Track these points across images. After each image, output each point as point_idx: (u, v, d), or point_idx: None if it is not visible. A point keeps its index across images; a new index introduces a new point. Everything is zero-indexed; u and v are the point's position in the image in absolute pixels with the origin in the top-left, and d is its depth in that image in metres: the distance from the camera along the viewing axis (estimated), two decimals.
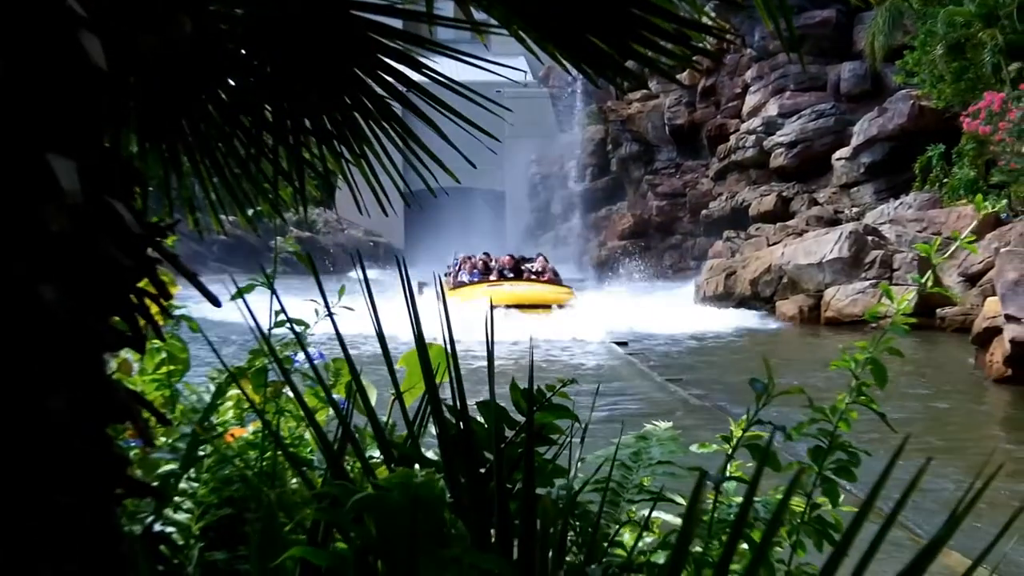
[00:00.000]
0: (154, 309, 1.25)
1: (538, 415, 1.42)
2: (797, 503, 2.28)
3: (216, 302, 1.36)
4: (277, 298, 2.17)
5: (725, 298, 30.17)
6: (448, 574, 0.87)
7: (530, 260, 34.55)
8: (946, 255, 2.54)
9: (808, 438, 2.20)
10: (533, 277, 31.25)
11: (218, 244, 44.54)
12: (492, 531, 1.27)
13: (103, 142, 1.19)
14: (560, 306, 27.61)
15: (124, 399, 1.15)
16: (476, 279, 31.12)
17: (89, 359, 1.10)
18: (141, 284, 1.25)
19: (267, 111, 2.11)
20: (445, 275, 31.78)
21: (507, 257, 33.56)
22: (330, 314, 1.92)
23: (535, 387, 1.39)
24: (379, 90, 2.08)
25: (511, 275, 31.11)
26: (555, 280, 31.48)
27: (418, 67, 2.11)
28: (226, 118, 2.08)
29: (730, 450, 2.06)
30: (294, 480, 2.27)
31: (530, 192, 62.07)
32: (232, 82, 2.07)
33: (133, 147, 2.13)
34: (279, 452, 2.13)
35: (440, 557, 0.87)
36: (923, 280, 2.61)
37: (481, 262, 33.12)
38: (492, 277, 30.99)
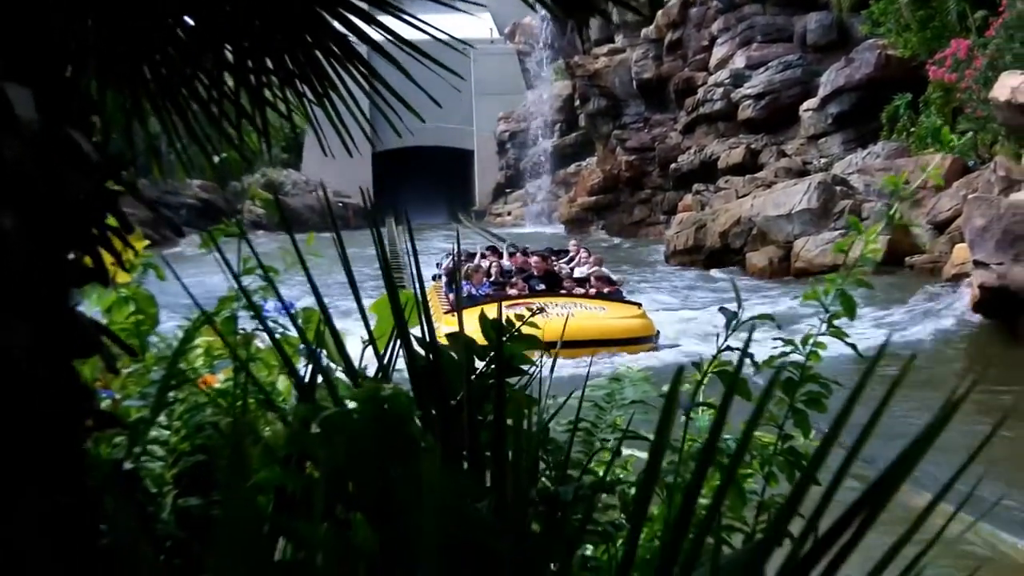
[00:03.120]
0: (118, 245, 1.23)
1: (507, 346, 1.42)
2: (769, 439, 2.30)
3: (179, 231, 1.35)
4: (248, 243, 2.16)
5: (695, 251, 30.22)
6: (419, 491, 0.87)
7: (563, 253, 24.07)
8: (912, 188, 2.51)
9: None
10: (581, 290, 19.43)
11: (186, 208, 44.27)
12: (464, 464, 1.27)
13: (61, 73, 1.17)
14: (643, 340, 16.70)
15: (89, 331, 1.14)
16: (485, 293, 18.40)
17: (51, 290, 1.09)
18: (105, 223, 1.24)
19: (228, 51, 2.09)
20: (434, 278, 21.32)
21: (534, 257, 21.81)
22: (301, 260, 1.90)
23: (504, 318, 1.38)
24: (341, 28, 2.06)
25: (542, 286, 19.36)
26: (613, 291, 19.60)
27: (382, 4, 2.09)
28: (187, 60, 2.06)
29: (700, 376, 2.07)
30: (267, 429, 2.26)
31: (499, 150, 61.89)
32: (191, 21, 2.05)
33: (93, 95, 2.10)
34: (252, 400, 2.12)
35: (411, 474, 0.87)
36: (891, 212, 2.60)
37: (493, 264, 21.41)
38: (513, 289, 18.98)
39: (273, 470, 0.95)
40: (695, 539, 1.07)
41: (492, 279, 20.30)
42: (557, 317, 12.40)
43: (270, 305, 2.53)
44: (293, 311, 2.62)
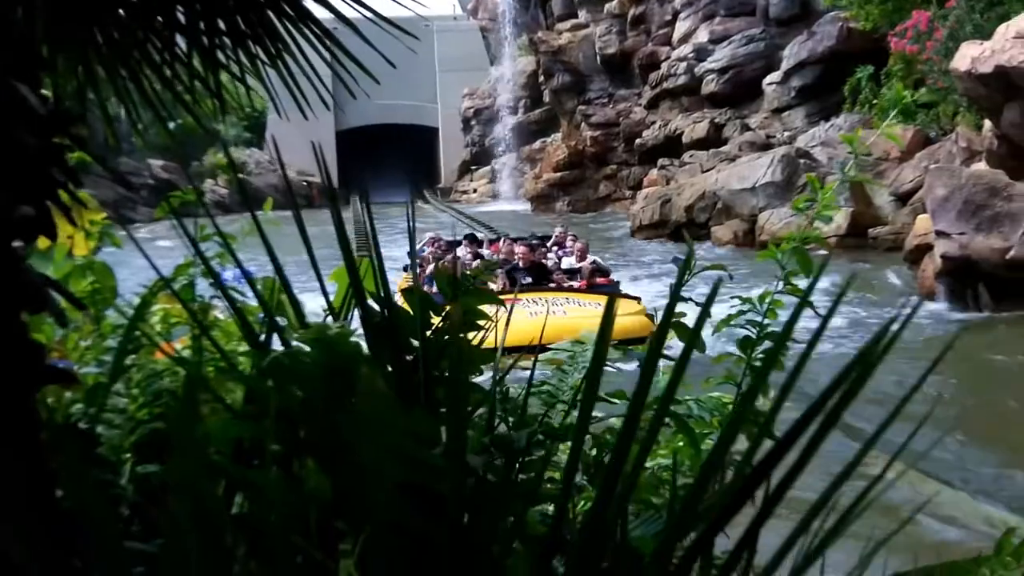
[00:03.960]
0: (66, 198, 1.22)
1: (463, 300, 1.41)
2: (728, 398, 2.31)
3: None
4: (206, 208, 2.14)
5: (661, 226, 30.30)
6: (370, 433, 0.87)
7: (545, 241, 21.08)
8: (867, 142, 2.52)
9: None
10: (573, 283, 17.18)
11: (146, 189, 43.84)
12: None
13: (5, 25, 1.15)
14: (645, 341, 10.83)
15: (38, 284, 1.12)
16: None
17: None
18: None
19: (179, 13, 2.07)
20: (404, 269, 17.16)
21: (519, 246, 18.69)
22: (260, 229, 1.89)
23: (459, 273, 1.38)
24: None
25: (529, 279, 16.87)
26: (609, 283, 17.56)
27: None
28: (138, 21, 2.04)
29: (655, 327, 2.07)
30: (228, 400, 2.25)
31: (464, 127, 61.70)
32: None
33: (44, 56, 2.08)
34: (211, 368, 2.11)
35: (361, 416, 0.86)
36: (846, 168, 2.61)
37: (468, 255, 18.74)
38: (495, 284, 12.45)
39: (225, 419, 0.95)
40: (622, 492, 1.08)
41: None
42: (549, 315, 12.86)
43: (228, 275, 2.52)
44: (251, 278, 2.61)
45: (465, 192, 60.17)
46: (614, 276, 18.90)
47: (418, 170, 63.94)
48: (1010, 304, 15.92)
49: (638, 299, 15.44)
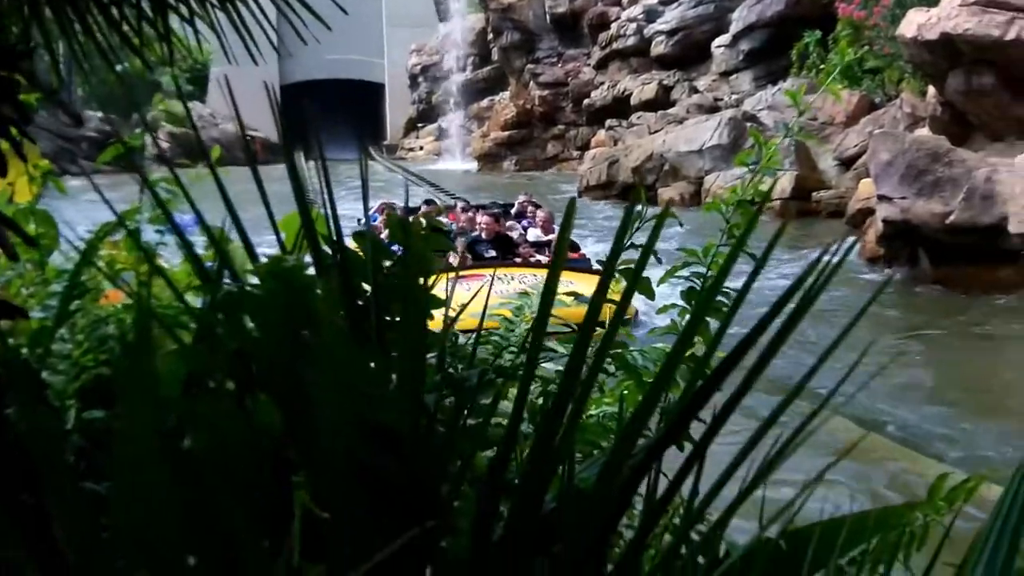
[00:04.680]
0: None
1: (414, 244, 1.41)
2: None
3: (79, 120, 1.32)
4: (158, 145, 2.12)
5: (608, 187, 30.36)
6: (325, 367, 0.87)
7: (508, 209, 19.21)
8: (810, 101, 2.53)
9: None
10: (541, 257, 15.36)
11: (87, 141, 43.10)
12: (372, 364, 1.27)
13: None
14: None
15: None
16: None
17: None
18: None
19: None
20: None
21: (483, 216, 16.74)
22: (214, 173, 1.87)
23: (411, 217, 1.38)
24: None
25: (492, 252, 15.32)
26: (580, 258, 15.10)
27: None
28: None
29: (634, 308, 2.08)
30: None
31: (411, 84, 61.24)
32: None
33: None
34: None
35: (317, 349, 0.87)
36: (790, 126, 2.63)
37: None
38: (455, 258, 13.99)
39: (177, 351, 0.95)
40: (566, 430, 1.09)
41: None
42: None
43: (178, 220, 2.50)
44: (197, 225, 2.59)
45: (411, 150, 59.80)
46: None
47: (364, 127, 63.40)
48: (949, 268, 16.16)
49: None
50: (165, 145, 46.71)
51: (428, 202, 19.74)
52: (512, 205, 19.64)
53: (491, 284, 2.06)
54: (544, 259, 14.85)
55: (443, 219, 16.90)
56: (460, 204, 19.41)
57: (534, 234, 16.84)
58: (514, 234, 16.58)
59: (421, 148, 59.27)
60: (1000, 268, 15.67)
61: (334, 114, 57.08)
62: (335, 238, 1.30)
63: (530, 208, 18.64)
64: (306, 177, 1.47)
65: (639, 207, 2.03)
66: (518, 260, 14.72)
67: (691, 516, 1.23)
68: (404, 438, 0.93)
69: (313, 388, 0.88)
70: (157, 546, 0.85)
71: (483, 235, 15.81)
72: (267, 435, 0.91)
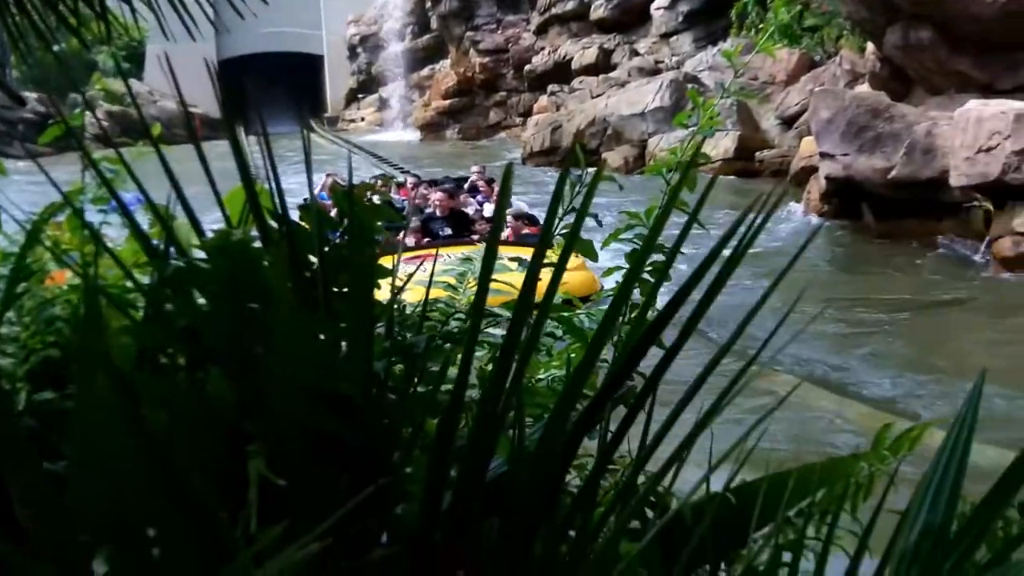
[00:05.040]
0: None
1: (359, 215, 1.43)
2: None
3: (21, 100, 1.32)
4: (101, 125, 2.11)
5: (552, 152, 30.37)
6: (272, 335, 0.89)
7: (461, 184, 18.30)
8: (746, 60, 2.56)
9: None
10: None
11: (24, 123, 42.40)
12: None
13: None
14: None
15: None
16: None
17: None
18: None
19: None
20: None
21: (436, 192, 15.83)
22: (159, 151, 1.86)
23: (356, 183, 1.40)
24: None
25: (448, 230, 14.52)
26: (536, 230, 13.78)
27: None
28: None
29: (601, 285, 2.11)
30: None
31: (350, 55, 60.71)
32: None
33: None
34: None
35: (264, 322, 0.88)
36: (727, 85, 2.66)
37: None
38: (410, 237, 13.90)
39: (129, 326, 0.96)
40: (509, 392, 1.12)
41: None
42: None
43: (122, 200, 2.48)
44: (140, 204, 2.58)
45: (353, 121, 59.37)
46: None
47: (304, 99, 62.78)
48: (893, 222, 16.35)
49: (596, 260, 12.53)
50: (104, 124, 45.83)
51: (380, 176, 17.90)
52: (465, 179, 18.81)
53: (434, 261, 2.06)
54: (503, 235, 12.82)
55: (394, 196, 16.77)
56: (410, 179, 18.53)
57: (491, 209, 15.74)
58: (469, 210, 15.84)
59: (362, 119, 58.87)
60: (942, 221, 15.88)
61: (273, 88, 56.46)
62: (280, 211, 1.32)
63: (482, 183, 17.94)
64: (248, 152, 1.48)
65: (578, 172, 2.06)
66: (475, 237, 13.52)
67: (641, 457, 1.27)
68: (357, 405, 0.95)
69: (266, 358, 0.90)
70: (118, 519, 0.87)
71: (437, 212, 15.06)
72: (220, 407, 0.92)
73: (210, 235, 1.38)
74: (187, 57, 2.90)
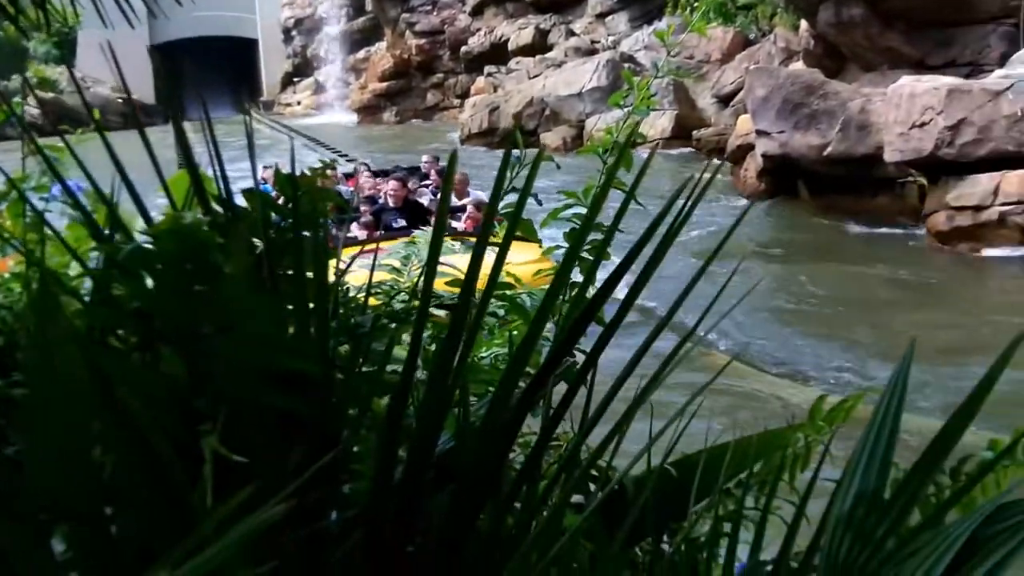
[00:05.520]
0: None
1: (304, 199, 1.44)
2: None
3: None
4: (47, 113, 2.10)
5: (490, 133, 30.38)
6: (222, 315, 0.90)
7: (412, 172, 17.27)
8: (679, 39, 2.60)
9: None
10: (456, 225, 12.97)
11: None
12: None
13: None
14: None
15: None
16: None
17: None
18: None
19: None
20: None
21: (389, 182, 14.83)
22: (103, 136, 1.85)
23: (299, 171, 1.41)
24: None
25: (402, 222, 13.55)
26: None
27: None
28: None
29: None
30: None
31: (285, 38, 60.20)
32: None
33: None
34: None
35: (216, 302, 0.90)
36: (660, 65, 2.68)
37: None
38: (362, 231, 13.21)
39: (83, 308, 0.96)
40: (454, 376, 1.14)
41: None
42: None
43: (57, 190, 2.47)
44: (81, 191, 2.57)
45: (289, 105, 58.92)
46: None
47: (239, 83, 62.15)
48: (829, 198, 16.55)
49: (539, 242, 11.22)
50: (34, 111, 45.31)
51: (329, 163, 17.30)
52: (416, 168, 17.85)
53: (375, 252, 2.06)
54: (460, 226, 12.88)
55: (342, 187, 15.57)
56: (361, 168, 17.62)
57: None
58: (424, 200, 14.95)
59: (299, 103, 58.45)
60: (877, 197, 16.09)
61: (207, 72, 55.78)
62: (225, 195, 1.33)
63: (435, 173, 17.08)
64: (188, 137, 1.48)
65: (518, 152, 2.08)
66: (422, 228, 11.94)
67: (583, 430, 1.30)
68: (311, 382, 0.97)
69: (220, 339, 0.91)
70: (77, 499, 0.88)
71: (391, 203, 14.16)
72: (169, 382, 0.94)
73: (157, 220, 1.39)
74: (120, 43, 2.88)
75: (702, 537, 1.63)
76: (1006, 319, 10.33)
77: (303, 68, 58.92)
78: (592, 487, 1.70)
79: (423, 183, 16.47)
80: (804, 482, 1.56)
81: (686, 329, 1.30)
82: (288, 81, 60.34)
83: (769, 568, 1.41)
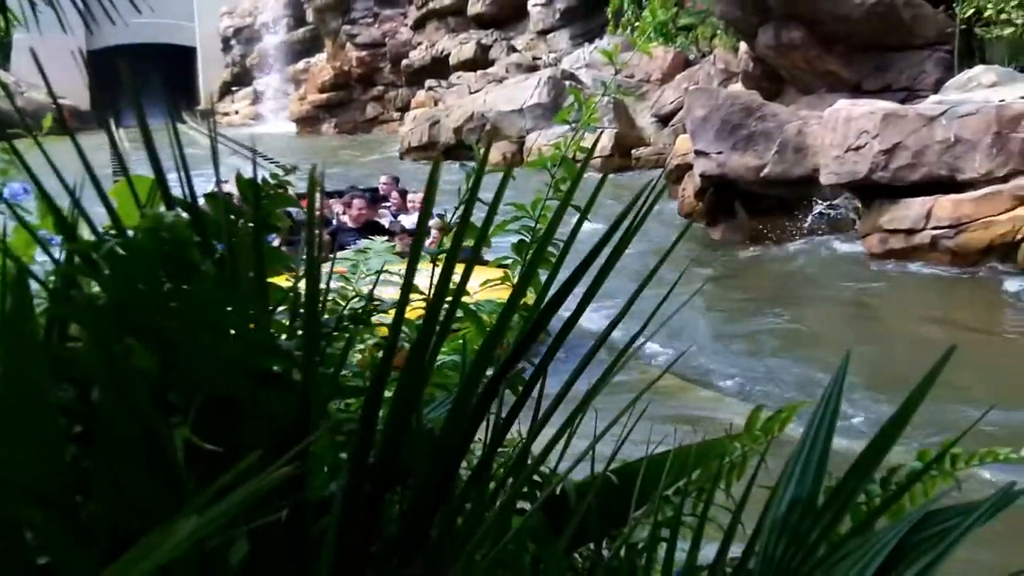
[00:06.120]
0: None
1: (265, 204, 1.47)
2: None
3: None
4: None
5: (430, 147, 30.40)
6: (195, 311, 0.93)
7: (370, 193, 16.42)
8: (625, 60, 2.66)
9: None
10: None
11: None
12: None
13: None
14: None
15: None
16: None
17: None
18: None
19: None
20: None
21: (356, 201, 14.43)
22: (39, 145, 1.87)
23: (260, 177, 1.44)
24: None
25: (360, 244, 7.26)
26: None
27: None
28: None
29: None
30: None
31: (223, 47, 59.81)
32: None
33: None
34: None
35: (189, 297, 0.93)
36: (608, 83, 2.74)
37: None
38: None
39: (58, 307, 0.99)
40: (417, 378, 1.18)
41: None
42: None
43: (7, 191, 2.47)
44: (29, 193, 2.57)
45: (227, 114, 58.52)
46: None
47: (176, 92, 61.64)
48: (765, 219, 16.73)
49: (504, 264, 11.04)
50: None
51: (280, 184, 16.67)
52: (374, 190, 16.99)
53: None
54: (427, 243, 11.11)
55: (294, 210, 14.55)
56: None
57: (411, 221, 14.02)
58: (384, 221, 14.30)
59: (237, 112, 58.07)
60: (812, 217, 16.31)
61: (144, 79, 55.10)
62: (188, 194, 1.35)
63: (395, 193, 16.28)
64: (122, 142, 1.52)
65: (470, 165, 2.12)
66: (396, 251, 11.41)
67: (531, 433, 1.34)
68: (284, 380, 1.01)
69: (197, 334, 0.94)
70: (48, 489, 0.91)
71: (350, 223, 13.61)
72: (140, 376, 0.96)
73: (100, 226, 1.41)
74: (55, 48, 2.86)
75: (641, 543, 1.67)
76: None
77: (242, 77, 58.60)
78: (538, 493, 1.74)
79: (383, 204, 15.88)
80: (741, 491, 1.60)
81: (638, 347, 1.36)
82: (226, 90, 59.94)
83: (705, 573, 1.46)
